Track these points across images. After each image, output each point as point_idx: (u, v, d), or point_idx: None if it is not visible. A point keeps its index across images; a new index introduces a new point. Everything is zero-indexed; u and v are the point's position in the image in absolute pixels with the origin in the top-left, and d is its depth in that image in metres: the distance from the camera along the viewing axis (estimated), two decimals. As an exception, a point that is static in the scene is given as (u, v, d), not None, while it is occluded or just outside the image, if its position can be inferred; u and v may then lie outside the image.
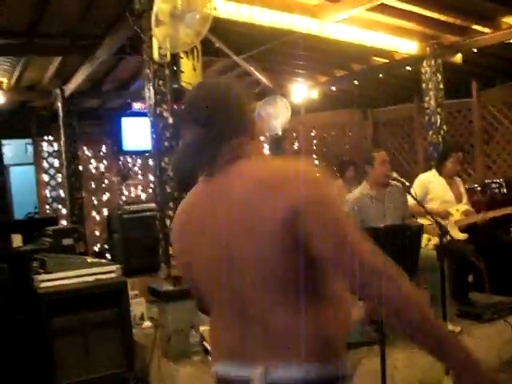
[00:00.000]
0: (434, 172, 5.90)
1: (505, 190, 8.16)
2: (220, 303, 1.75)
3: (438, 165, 5.92)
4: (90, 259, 5.34)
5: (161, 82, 4.58)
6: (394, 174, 5.12)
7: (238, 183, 1.64)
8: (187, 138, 1.73)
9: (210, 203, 1.69)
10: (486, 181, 8.33)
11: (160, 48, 4.44)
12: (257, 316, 1.65)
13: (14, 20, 6.10)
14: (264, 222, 1.57)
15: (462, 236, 5.58)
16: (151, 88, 4.59)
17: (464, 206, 5.74)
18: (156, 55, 4.48)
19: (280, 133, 8.35)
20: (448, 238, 4.28)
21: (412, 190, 4.74)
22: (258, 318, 1.65)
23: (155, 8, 4.15)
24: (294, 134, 11.12)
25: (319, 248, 1.58)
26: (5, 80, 8.00)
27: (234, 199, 1.63)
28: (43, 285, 4.39)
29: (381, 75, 8.88)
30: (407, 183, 4.83)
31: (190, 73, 4.77)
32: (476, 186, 7.56)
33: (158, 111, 4.56)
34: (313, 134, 11.36)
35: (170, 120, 4.62)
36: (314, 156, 11.21)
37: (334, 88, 9.88)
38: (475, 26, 6.94)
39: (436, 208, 5.52)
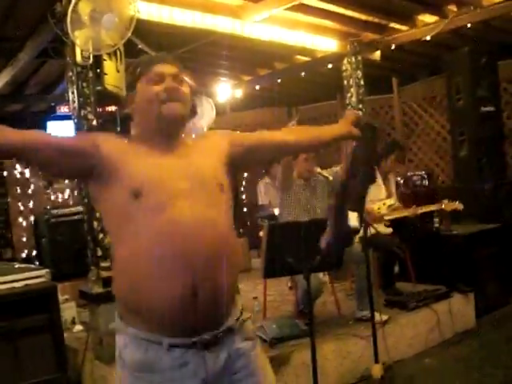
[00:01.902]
0: None
1: (427, 182, 8.46)
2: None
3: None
4: (17, 265, 5.27)
5: (84, 85, 4.55)
6: (318, 170, 5.26)
7: None
8: None
9: None
10: (409, 174, 8.61)
11: (83, 50, 4.42)
12: None
13: None
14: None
15: (387, 230, 5.73)
16: (75, 91, 4.56)
17: (390, 201, 5.87)
18: (79, 58, 4.45)
19: (206, 132, 8.37)
20: (373, 231, 4.41)
21: None
22: None
23: (70, 10, 4.13)
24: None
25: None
26: None
27: None
28: (-32, 291, 4.33)
29: (303, 73, 9.02)
30: (331, 178, 4.97)
31: (113, 75, 4.76)
32: (399, 179, 7.79)
33: (82, 114, 4.53)
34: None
35: (95, 122, 4.61)
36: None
37: (257, 87, 9.97)
38: (393, 24, 7.14)
39: (367, 206, 5.63)
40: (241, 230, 10.14)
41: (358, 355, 4.70)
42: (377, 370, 4.32)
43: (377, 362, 4.36)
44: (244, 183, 11.12)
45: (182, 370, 1.87)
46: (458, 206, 5.76)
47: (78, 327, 5.54)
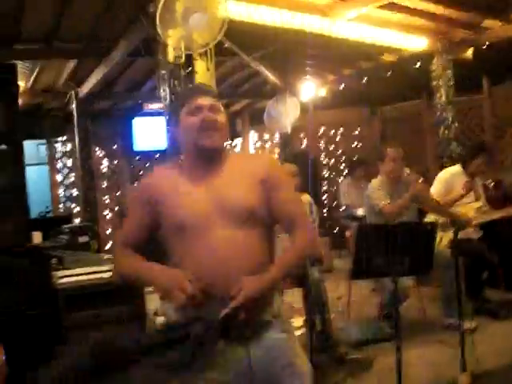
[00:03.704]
0: (459, 168, 5.74)
1: (520, 185, 8.16)
2: None
3: (464, 162, 5.75)
4: (105, 256, 5.41)
5: (176, 83, 4.64)
6: (407, 171, 5.16)
7: None
8: None
9: None
10: (499, 177, 8.33)
11: (174, 49, 4.50)
12: None
13: (34, 26, 6.19)
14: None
15: (476, 235, 5.58)
16: (166, 88, 4.65)
17: (478, 203, 5.71)
18: (171, 56, 4.53)
19: (289, 131, 8.38)
20: (462, 235, 4.30)
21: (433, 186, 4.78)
22: None
23: (158, 12, 4.21)
24: (303, 133, 11.15)
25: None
26: (22, 83, 8.08)
27: None
28: (61, 281, 4.46)
29: (389, 73, 8.90)
30: (420, 179, 4.88)
31: (203, 73, 4.82)
32: (489, 181, 7.56)
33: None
34: (321, 132, 11.40)
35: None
36: (323, 153, 11.26)
37: (342, 86, 9.90)
38: (485, 21, 6.93)
39: (455, 210, 5.51)
40: (322, 229, 10.13)
41: (444, 363, 4.58)
42: (464, 379, 4.18)
43: (464, 370, 4.24)
44: (325, 183, 11.07)
45: (225, 355, 2.17)
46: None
47: (161, 318, 5.64)
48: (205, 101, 2.27)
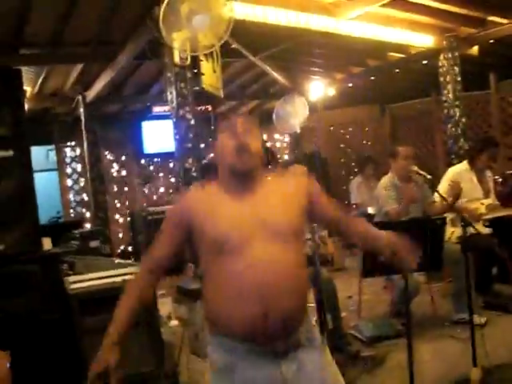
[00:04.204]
0: (465, 165, 5.76)
1: (526, 181, 8.14)
2: None
3: (471, 158, 5.75)
4: (116, 260, 5.42)
5: (182, 85, 4.67)
6: (415, 168, 5.16)
7: None
8: None
9: None
10: (507, 172, 8.31)
11: (180, 51, 4.51)
12: None
13: (39, 31, 6.21)
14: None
15: (485, 230, 5.57)
16: (173, 91, 4.66)
17: (488, 200, 5.70)
18: (177, 59, 4.54)
19: (299, 131, 8.37)
20: (472, 230, 4.30)
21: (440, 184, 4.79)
22: None
23: (161, 15, 4.22)
24: (313, 132, 11.15)
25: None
26: (28, 88, 8.12)
27: None
28: (73, 286, 4.46)
29: (397, 70, 8.90)
30: (429, 176, 4.87)
31: (210, 75, 4.83)
32: (497, 177, 7.53)
33: (180, 113, 4.64)
34: (331, 131, 11.40)
35: (193, 121, 4.69)
36: (333, 152, 11.27)
37: (350, 84, 9.91)
38: (491, 17, 6.93)
39: (465, 205, 5.51)
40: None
41: (456, 358, 4.57)
42: (475, 374, 4.17)
43: (475, 365, 4.24)
44: (335, 182, 11.07)
45: (258, 373, 2.28)
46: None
47: (174, 322, 5.66)
48: (241, 125, 2.36)
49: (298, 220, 2.36)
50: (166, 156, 10.77)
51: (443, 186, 5.54)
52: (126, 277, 4.67)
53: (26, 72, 7.64)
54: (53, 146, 10.44)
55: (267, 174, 2.50)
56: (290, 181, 2.53)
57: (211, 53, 4.78)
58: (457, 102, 7.21)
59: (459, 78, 7.26)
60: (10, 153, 4.21)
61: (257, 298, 2.20)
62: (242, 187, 2.36)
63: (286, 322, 2.26)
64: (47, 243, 4.62)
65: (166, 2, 4.24)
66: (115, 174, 10.89)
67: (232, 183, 2.37)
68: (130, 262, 5.59)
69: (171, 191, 11.00)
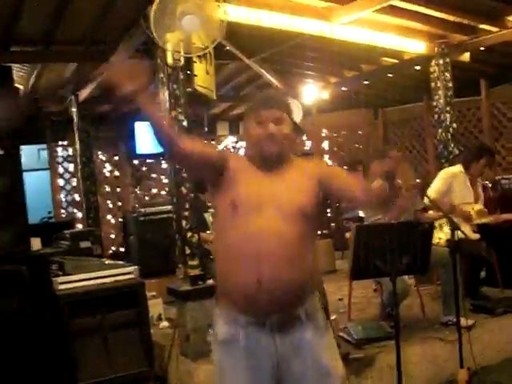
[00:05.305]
0: (460, 168, 5.80)
1: (515, 186, 8.17)
2: None
3: (466, 163, 5.80)
4: (107, 261, 5.41)
5: (175, 86, 4.66)
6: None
7: None
8: None
9: None
10: (497, 177, 8.35)
11: (173, 52, 4.51)
12: None
13: (31, 28, 6.16)
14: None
15: (474, 236, 5.62)
16: (166, 92, 4.66)
17: (478, 206, 5.76)
18: (170, 59, 4.55)
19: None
20: (460, 235, 4.33)
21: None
22: None
23: (152, 16, 4.23)
24: (306, 135, 11.17)
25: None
26: (21, 87, 8.08)
27: None
28: (62, 287, 4.44)
29: (390, 75, 8.93)
30: (418, 180, 4.89)
31: (203, 76, 4.84)
32: (487, 182, 7.57)
33: (172, 115, 4.63)
34: (324, 134, 11.43)
35: (185, 123, 4.69)
36: (326, 155, 11.30)
37: (344, 88, 9.94)
38: (482, 25, 6.99)
39: (460, 207, 5.57)
40: (325, 231, 10.16)
41: (444, 359, 4.63)
42: (462, 375, 4.23)
43: (462, 366, 4.28)
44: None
45: (256, 345, 2.39)
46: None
47: (164, 323, 5.66)
48: (271, 113, 2.47)
49: (308, 202, 2.46)
50: (157, 156, 10.73)
51: (436, 185, 5.61)
52: (117, 277, 4.67)
53: (19, 70, 7.63)
54: (44, 146, 10.40)
55: (293, 157, 2.63)
56: (307, 166, 2.64)
57: (204, 54, 4.78)
58: (448, 108, 7.25)
59: (450, 84, 7.30)
60: (0, 152, 4.20)
61: (253, 264, 2.33)
62: (266, 167, 2.51)
63: (280, 295, 2.35)
64: (36, 243, 4.61)
65: (156, 2, 4.26)
66: (107, 175, 10.86)
67: (257, 161, 2.53)
68: (120, 262, 5.57)
69: (163, 192, 10.98)
